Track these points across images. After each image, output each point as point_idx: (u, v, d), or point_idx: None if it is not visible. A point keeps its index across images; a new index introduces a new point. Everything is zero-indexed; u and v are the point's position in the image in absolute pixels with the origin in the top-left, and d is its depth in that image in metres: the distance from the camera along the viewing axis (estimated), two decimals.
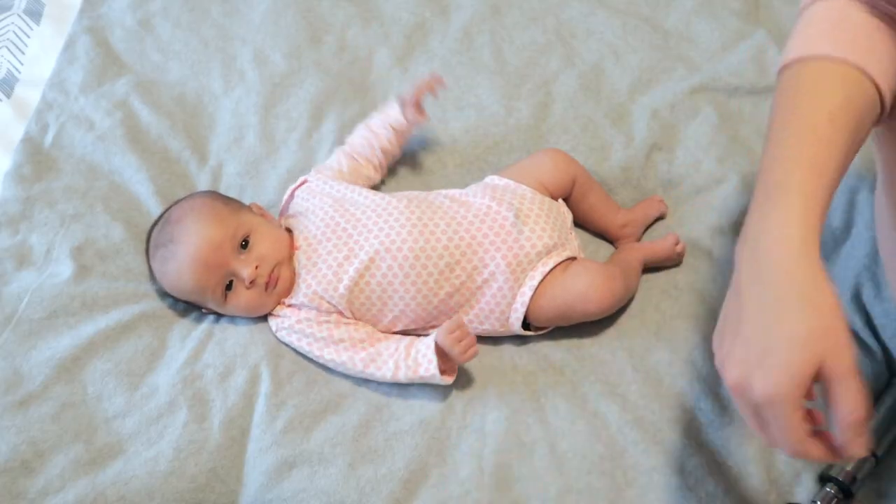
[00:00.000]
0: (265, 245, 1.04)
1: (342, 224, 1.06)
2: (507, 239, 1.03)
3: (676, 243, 1.10)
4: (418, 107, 1.16)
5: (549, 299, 1.02)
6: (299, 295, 1.04)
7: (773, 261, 0.65)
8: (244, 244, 1.03)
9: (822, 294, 0.63)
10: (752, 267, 0.66)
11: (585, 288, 1.01)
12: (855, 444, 0.62)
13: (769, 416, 0.63)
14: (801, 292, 0.63)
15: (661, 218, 1.17)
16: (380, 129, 1.17)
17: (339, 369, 1.02)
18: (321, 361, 1.03)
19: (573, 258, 1.07)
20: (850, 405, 0.61)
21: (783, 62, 0.74)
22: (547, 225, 1.04)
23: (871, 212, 1.11)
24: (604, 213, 1.15)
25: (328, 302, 1.03)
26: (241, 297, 1.03)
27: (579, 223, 1.16)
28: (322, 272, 1.03)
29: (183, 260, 1.02)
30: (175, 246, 1.03)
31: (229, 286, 1.03)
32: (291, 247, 1.06)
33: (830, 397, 0.62)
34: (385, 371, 0.99)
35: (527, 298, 1.02)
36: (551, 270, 1.03)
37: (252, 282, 1.02)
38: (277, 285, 1.03)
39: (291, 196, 1.14)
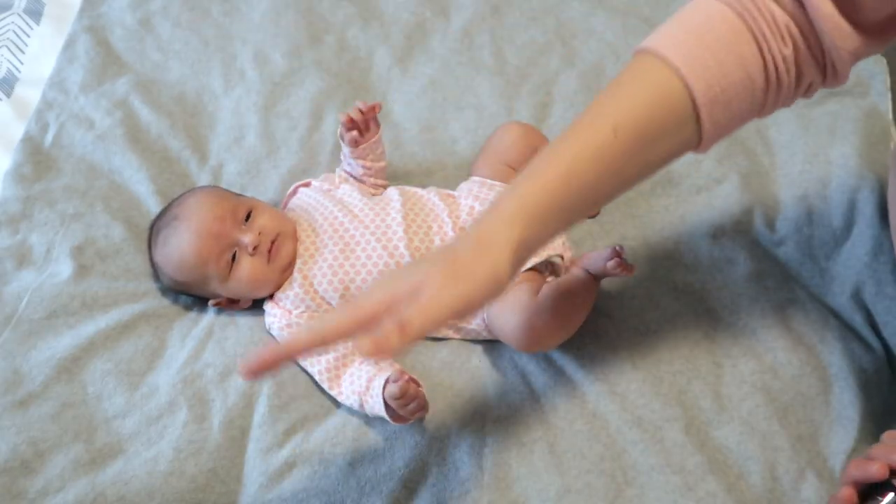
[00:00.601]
0: (266, 218, 1.05)
1: (340, 219, 1.06)
2: None
3: (612, 258, 0.98)
4: (357, 127, 1.09)
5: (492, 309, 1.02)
6: (294, 286, 1.03)
7: None
8: (246, 218, 1.04)
9: None
10: None
11: (507, 325, 0.99)
12: None
13: None
14: None
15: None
16: (349, 165, 1.14)
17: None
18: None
19: (555, 262, 1.06)
20: None
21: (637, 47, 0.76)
22: None
23: (872, 211, 1.12)
24: None
25: (321, 296, 1.03)
26: (245, 268, 1.02)
27: None
28: (318, 265, 1.03)
29: (186, 233, 1.02)
30: (178, 222, 1.04)
31: (233, 259, 1.03)
32: (294, 229, 1.07)
33: None
34: (350, 403, 0.99)
35: None
36: (526, 271, 1.03)
37: (255, 248, 1.01)
38: (280, 256, 1.03)
39: (294, 192, 1.15)
